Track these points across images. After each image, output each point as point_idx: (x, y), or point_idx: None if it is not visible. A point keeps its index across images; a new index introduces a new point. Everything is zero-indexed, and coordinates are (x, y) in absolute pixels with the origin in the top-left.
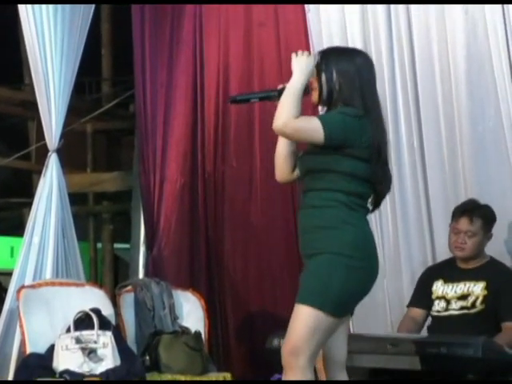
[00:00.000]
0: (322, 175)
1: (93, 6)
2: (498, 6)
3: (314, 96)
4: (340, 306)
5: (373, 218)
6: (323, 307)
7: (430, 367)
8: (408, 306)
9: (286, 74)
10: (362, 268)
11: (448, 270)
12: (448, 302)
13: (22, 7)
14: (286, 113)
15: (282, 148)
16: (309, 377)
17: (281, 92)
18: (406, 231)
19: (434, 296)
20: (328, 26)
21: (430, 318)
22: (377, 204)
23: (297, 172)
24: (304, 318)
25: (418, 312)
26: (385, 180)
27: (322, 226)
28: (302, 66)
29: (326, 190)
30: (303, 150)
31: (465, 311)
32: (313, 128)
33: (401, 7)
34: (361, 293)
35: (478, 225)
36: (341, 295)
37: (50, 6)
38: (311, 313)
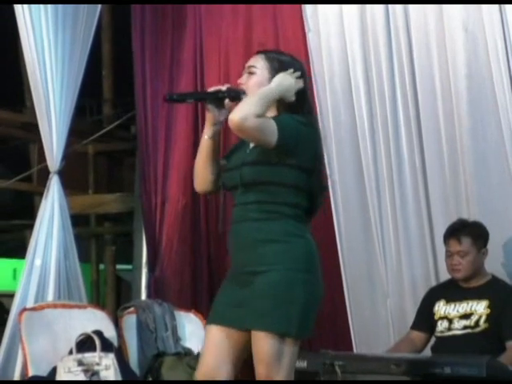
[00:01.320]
0: (265, 187)
1: (94, 26)
2: (498, 24)
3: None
4: (305, 326)
5: (375, 238)
6: (289, 332)
7: None
8: (410, 329)
9: None
10: (317, 281)
11: (450, 290)
12: (450, 321)
13: (22, 29)
14: (248, 109)
15: (207, 156)
16: None
17: (229, 93)
18: (408, 250)
19: (436, 317)
20: (328, 46)
21: (433, 339)
22: (313, 216)
23: (220, 183)
24: (271, 346)
25: (418, 335)
26: (322, 191)
27: (268, 239)
28: (285, 81)
29: (270, 203)
30: (241, 162)
31: (468, 330)
32: (270, 129)
33: (401, 26)
34: (317, 308)
35: (467, 243)
36: (304, 315)
37: (51, 27)
38: (278, 339)
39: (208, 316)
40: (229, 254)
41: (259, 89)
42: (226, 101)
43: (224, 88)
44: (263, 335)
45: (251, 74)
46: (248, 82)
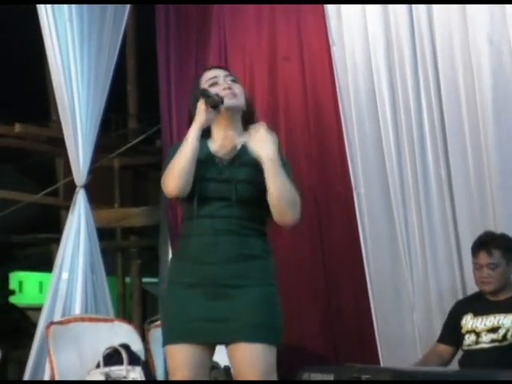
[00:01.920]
0: (250, 205)
1: (119, 42)
2: None
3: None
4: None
5: (401, 249)
6: (277, 342)
7: None
8: (437, 342)
9: (312, 108)
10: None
11: (477, 304)
12: (478, 335)
13: (48, 44)
14: (295, 196)
15: (193, 158)
16: None
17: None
18: (434, 263)
19: (463, 330)
20: (352, 59)
21: (461, 352)
22: None
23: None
24: (271, 359)
25: (445, 349)
26: None
27: (250, 255)
28: (271, 141)
29: (251, 220)
30: (233, 178)
31: (496, 344)
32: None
33: (426, 38)
34: None
35: (497, 256)
36: (282, 325)
37: (77, 43)
38: (271, 350)
39: (170, 332)
40: (192, 265)
41: (243, 96)
42: (221, 106)
43: (220, 94)
44: (259, 347)
45: (234, 81)
46: (236, 88)
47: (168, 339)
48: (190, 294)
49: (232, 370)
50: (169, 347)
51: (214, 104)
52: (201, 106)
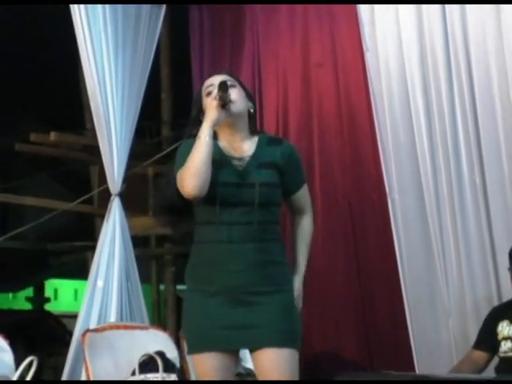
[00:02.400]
0: (274, 207)
1: (153, 50)
2: None
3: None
4: None
5: (436, 256)
6: (299, 346)
7: None
8: (472, 348)
9: (346, 114)
10: None
11: None
12: None
13: (83, 52)
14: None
15: (208, 157)
16: None
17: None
18: (470, 270)
19: (499, 337)
20: (386, 66)
21: (497, 359)
22: None
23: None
24: (295, 363)
25: (480, 355)
26: None
27: (272, 260)
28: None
29: (272, 223)
30: (255, 181)
31: None
32: None
33: (460, 45)
34: None
35: None
36: (301, 331)
37: (111, 51)
38: (296, 354)
39: (195, 342)
40: (214, 273)
41: (243, 99)
42: (229, 106)
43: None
44: (284, 352)
45: (232, 86)
46: (233, 93)
47: (193, 348)
48: (212, 302)
49: (257, 375)
50: (194, 356)
51: (224, 103)
52: (212, 103)
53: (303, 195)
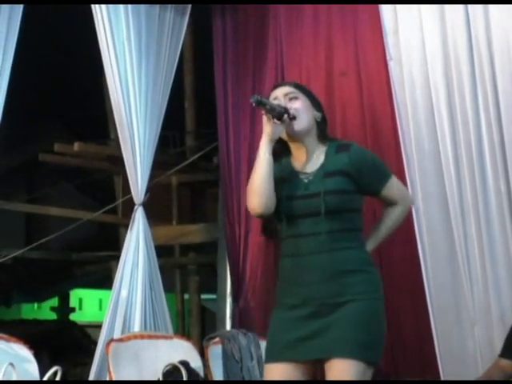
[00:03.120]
0: (344, 215)
1: (176, 59)
2: None
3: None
4: (382, 354)
5: (460, 264)
6: (374, 360)
7: None
8: (499, 356)
9: (370, 123)
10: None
11: None
12: None
13: (107, 63)
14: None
15: (269, 174)
16: None
17: (288, 112)
18: (495, 277)
19: None
20: (410, 75)
21: None
22: None
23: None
24: (358, 375)
25: (507, 364)
26: None
27: (347, 270)
28: None
29: (343, 231)
30: (319, 190)
31: None
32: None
33: (484, 54)
34: None
35: None
36: (383, 343)
37: (135, 61)
38: (365, 367)
39: (269, 351)
40: (292, 287)
41: (308, 112)
42: (285, 117)
43: (283, 104)
44: (352, 363)
45: (293, 99)
46: (295, 106)
47: (266, 358)
48: (291, 314)
49: None
50: (266, 365)
51: (277, 115)
52: (264, 118)
53: (389, 191)
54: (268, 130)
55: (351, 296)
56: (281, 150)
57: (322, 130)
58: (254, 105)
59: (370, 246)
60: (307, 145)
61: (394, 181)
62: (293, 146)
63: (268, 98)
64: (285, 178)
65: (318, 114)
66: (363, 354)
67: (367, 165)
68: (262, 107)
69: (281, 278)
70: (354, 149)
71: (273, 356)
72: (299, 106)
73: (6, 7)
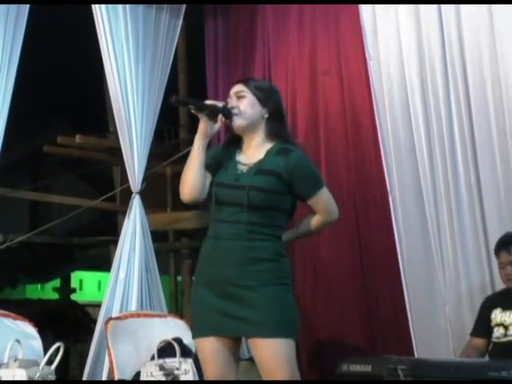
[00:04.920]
0: (263, 211)
1: (171, 59)
2: None
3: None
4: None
5: (433, 248)
6: (295, 336)
7: None
8: (470, 335)
9: (350, 118)
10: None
11: (505, 299)
12: (506, 328)
13: (106, 62)
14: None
15: (198, 167)
16: None
17: (223, 110)
18: (465, 261)
19: (493, 323)
20: (388, 73)
21: (491, 344)
22: None
23: (205, 194)
24: (289, 351)
25: (479, 341)
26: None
27: (260, 258)
28: None
29: (262, 225)
30: (246, 184)
31: None
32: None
33: (456, 53)
34: None
35: None
36: (298, 321)
37: (132, 60)
38: (291, 343)
39: (195, 327)
40: (209, 264)
41: (252, 109)
42: (219, 116)
43: (220, 105)
44: (273, 342)
45: (241, 97)
46: (241, 104)
47: (194, 333)
48: (206, 291)
49: (256, 362)
50: (196, 341)
51: (210, 113)
52: (201, 117)
53: (315, 202)
54: (200, 128)
55: (259, 281)
56: (235, 140)
57: (272, 126)
58: (174, 103)
59: (285, 238)
60: (251, 139)
61: (323, 193)
62: (243, 139)
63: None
64: (223, 165)
65: (265, 111)
66: (280, 332)
67: (300, 173)
68: (184, 106)
69: (200, 256)
70: (293, 155)
71: (199, 331)
72: (242, 105)
73: (13, 8)
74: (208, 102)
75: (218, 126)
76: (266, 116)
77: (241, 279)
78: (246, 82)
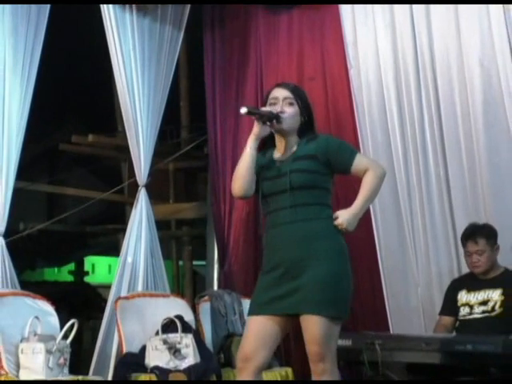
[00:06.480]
0: (311, 191)
1: (174, 65)
2: (508, 59)
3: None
4: (348, 310)
5: (407, 235)
6: (339, 315)
7: (457, 362)
8: (439, 315)
9: (333, 119)
10: (351, 271)
11: (470, 281)
12: (471, 307)
13: (116, 69)
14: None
15: (250, 165)
16: None
17: (277, 116)
18: (435, 248)
19: (459, 303)
20: (366, 80)
21: (457, 322)
22: None
23: (253, 191)
24: (324, 329)
25: (447, 320)
26: None
27: (317, 236)
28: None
29: (316, 205)
30: (289, 168)
31: (486, 314)
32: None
33: (427, 62)
34: None
35: (482, 243)
36: (348, 300)
37: (139, 65)
38: (330, 322)
39: (250, 307)
40: (270, 253)
41: (297, 116)
42: (274, 121)
43: (274, 111)
44: (318, 319)
45: (289, 104)
46: (289, 110)
47: (249, 312)
48: (267, 277)
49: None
50: (248, 318)
51: (267, 119)
52: (255, 121)
53: (358, 165)
54: (255, 131)
55: (318, 260)
56: (269, 143)
57: (305, 130)
58: (244, 114)
59: (354, 210)
60: (288, 140)
61: (361, 156)
62: (277, 139)
63: (266, 99)
64: (264, 165)
65: (302, 118)
66: (328, 311)
67: (334, 148)
68: (251, 116)
69: (265, 248)
70: (321, 137)
71: (254, 310)
72: (291, 112)
73: (34, 12)
74: (264, 108)
75: (269, 129)
76: (302, 121)
77: (301, 259)
78: (293, 90)
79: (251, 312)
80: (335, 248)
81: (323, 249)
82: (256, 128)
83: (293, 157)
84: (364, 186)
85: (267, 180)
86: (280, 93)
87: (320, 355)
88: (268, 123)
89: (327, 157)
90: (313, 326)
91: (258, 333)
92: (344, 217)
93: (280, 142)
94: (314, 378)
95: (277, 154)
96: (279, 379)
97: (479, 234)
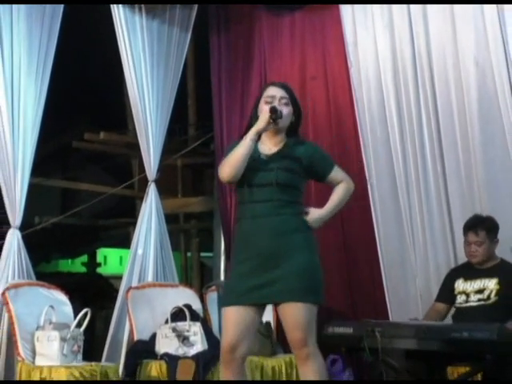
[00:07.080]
0: (290, 189)
1: (181, 66)
2: (502, 58)
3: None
4: (323, 296)
5: (405, 228)
6: (316, 302)
7: (454, 349)
8: (435, 301)
9: (334, 116)
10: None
11: (467, 270)
12: (468, 295)
13: (126, 70)
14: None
15: (247, 155)
16: None
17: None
18: (432, 239)
19: (456, 292)
20: (366, 78)
21: (454, 309)
22: None
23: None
24: (305, 315)
25: (441, 306)
26: None
27: (292, 229)
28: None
29: (292, 203)
30: (277, 165)
31: (482, 303)
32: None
33: (425, 61)
34: None
35: (482, 235)
36: (323, 287)
37: (149, 67)
38: (311, 308)
39: (225, 298)
40: (245, 243)
41: (290, 116)
42: (278, 120)
43: (279, 109)
44: (298, 306)
45: (285, 104)
46: (284, 109)
47: (224, 302)
48: (242, 267)
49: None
50: (224, 308)
51: (276, 117)
52: (265, 116)
53: (335, 176)
54: (261, 126)
55: (294, 251)
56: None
57: (292, 128)
58: (272, 111)
59: (323, 212)
60: (276, 135)
61: (338, 168)
62: (266, 135)
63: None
64: (252, 157)
65: (292, 118)
66: (309, 298)
67: (318, 156)
68: (274, 116)
69: (238, 237)
70: (308, 144)
71: (231, 300)
72: (285, 111)
73: (48, 15)
74: (278, 107)
75: (271, 126)
76: (292, 122)
77: (277, 250)
78: (289, 91)
79: (229, 302)
80: (309, 241)
81: (298, 241)
82: (263, 123)
83: (281, 155)
84: (336, 194)
85: (252, 171)
86: (277, 92)
87: (304, 340)
88: (274, 122)
89: (310, 161)
90: (296, 313)
91: (239, 323)
92: (314, 215)
93: (269, 139)
94: (299, 362)
95: (264, 149)
96: (283, 366)
97: (481, 225)
